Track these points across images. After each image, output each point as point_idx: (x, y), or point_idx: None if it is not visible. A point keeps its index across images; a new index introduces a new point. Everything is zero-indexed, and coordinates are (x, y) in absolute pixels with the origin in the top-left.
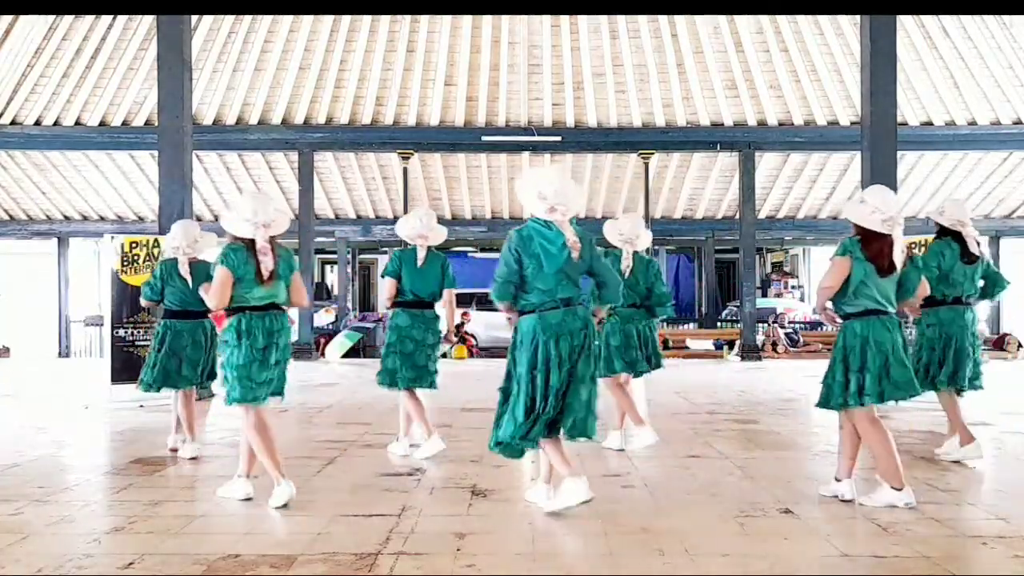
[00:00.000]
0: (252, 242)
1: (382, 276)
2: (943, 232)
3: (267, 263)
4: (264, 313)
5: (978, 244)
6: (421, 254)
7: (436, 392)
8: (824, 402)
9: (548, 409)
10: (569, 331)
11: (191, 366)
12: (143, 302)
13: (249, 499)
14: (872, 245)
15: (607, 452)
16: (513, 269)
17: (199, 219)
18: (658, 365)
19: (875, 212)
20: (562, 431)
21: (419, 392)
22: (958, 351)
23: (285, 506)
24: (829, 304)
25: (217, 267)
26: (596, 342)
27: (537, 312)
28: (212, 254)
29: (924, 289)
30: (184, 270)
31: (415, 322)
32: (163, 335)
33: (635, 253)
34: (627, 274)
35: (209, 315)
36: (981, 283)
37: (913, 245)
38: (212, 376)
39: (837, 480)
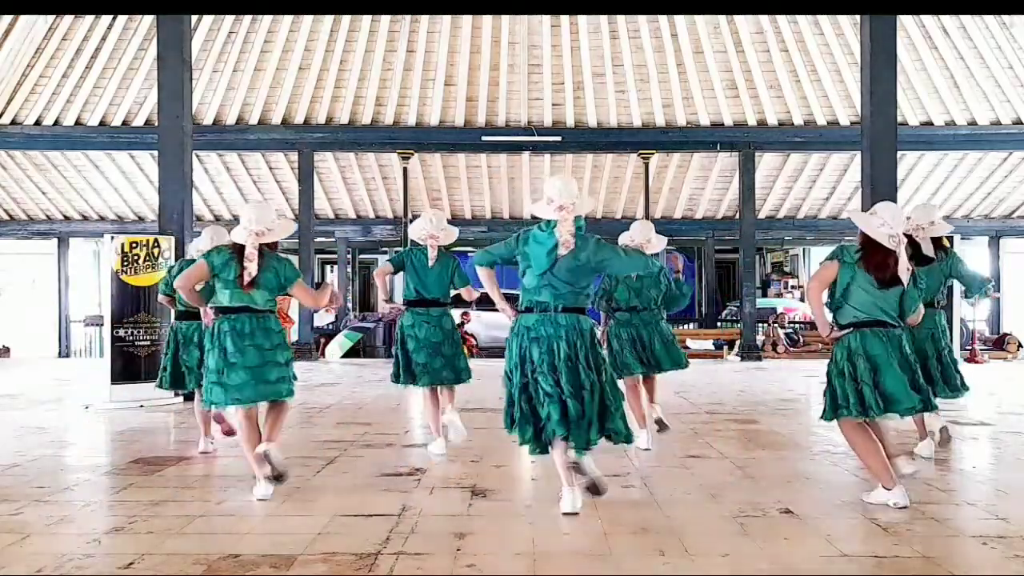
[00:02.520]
0: (241, 247)
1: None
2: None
3: (251, 269)
4: (237, 316)
5: (943, 247)
6: (432, 254)
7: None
8: (823, 415)
9: (522, 407)
10: (539, 336)
11: (191, 364)
12: (160, 298)
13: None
14: (874, 256)
15: (608, 453)
16: (503, 251)
17: (199, 219)
18: (659, 367)
19: (883, 225)
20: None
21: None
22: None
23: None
24: (829, 315)
25: (199, 261)
26: (595, 354)
27: (521, 312)
28: None
29: (918, 314)
30: None
31: (418, 321)
32: (170, 338)
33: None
34: (635, 278)
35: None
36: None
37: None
38: None
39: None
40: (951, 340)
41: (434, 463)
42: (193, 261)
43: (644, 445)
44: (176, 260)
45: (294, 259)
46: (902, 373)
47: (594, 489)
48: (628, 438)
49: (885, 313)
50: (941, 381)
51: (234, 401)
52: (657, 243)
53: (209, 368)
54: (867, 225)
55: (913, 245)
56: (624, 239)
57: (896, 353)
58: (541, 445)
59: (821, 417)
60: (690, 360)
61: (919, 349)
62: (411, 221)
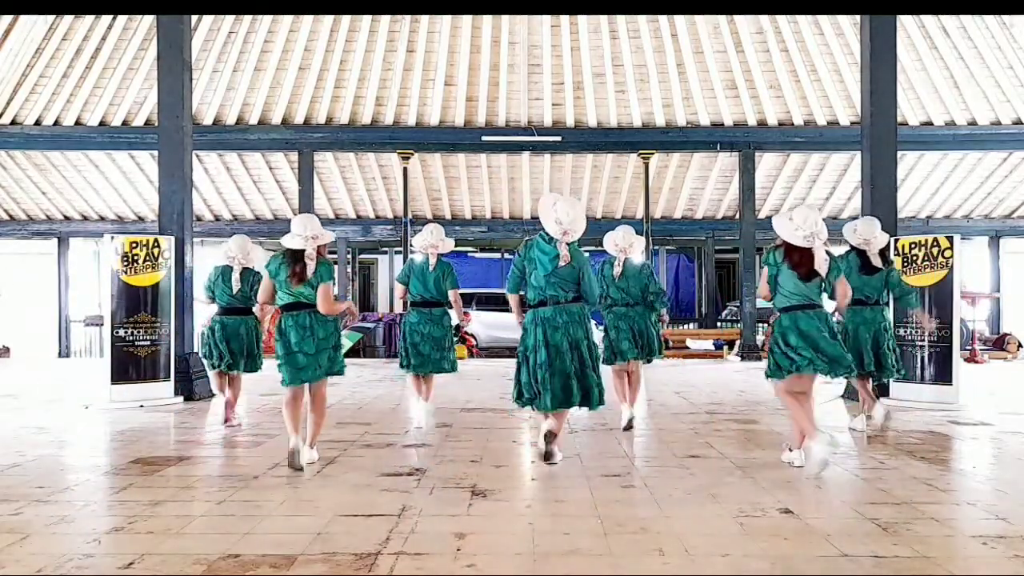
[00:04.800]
0: (291, 252)
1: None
2: (853, 247)
3: (312, 267)
4: (294, 311)
5: (885, 257)
6: (432, 261)
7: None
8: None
9: (535, 381)
10: (553, 322)
11: (232, 353)
12: (202, 298)
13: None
14: (793, 255)
15: (607, 453)
16: (518, 270)
17: (199, 219)
18: (652, 354)
19: (798, 229)
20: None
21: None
22: (858, 342)
23: (301, 469)
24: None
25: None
26: (592, 337)
27: (533, 306)
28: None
29: (845, 289)
30: (236, 276)
31: (422, 318)
32: (212, 328)
33: (626, 260)
34: (618, 278)
35: (252, 312)
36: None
37: (914, 245)
38: (252, 361)
39: (790, 450)
40: (892, 332)
41: (436, 463)
42: (226, 267)
43: (624, 423)
44: (175, 261)
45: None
46: (813, 343)
47: (548, 456)
48: (599, 405)
49: (807, 297)
50: (882, 365)
51: (292, 382)
52: (638, 247)
53: (278, 355)
54: (783, 230)
55: (862, 256)
56: (608, 242)
57: (818, 328)
58: (536, 405)
59: (766, 375)
60: (686, 358)
61: (873, 339)
62: (411, 221)
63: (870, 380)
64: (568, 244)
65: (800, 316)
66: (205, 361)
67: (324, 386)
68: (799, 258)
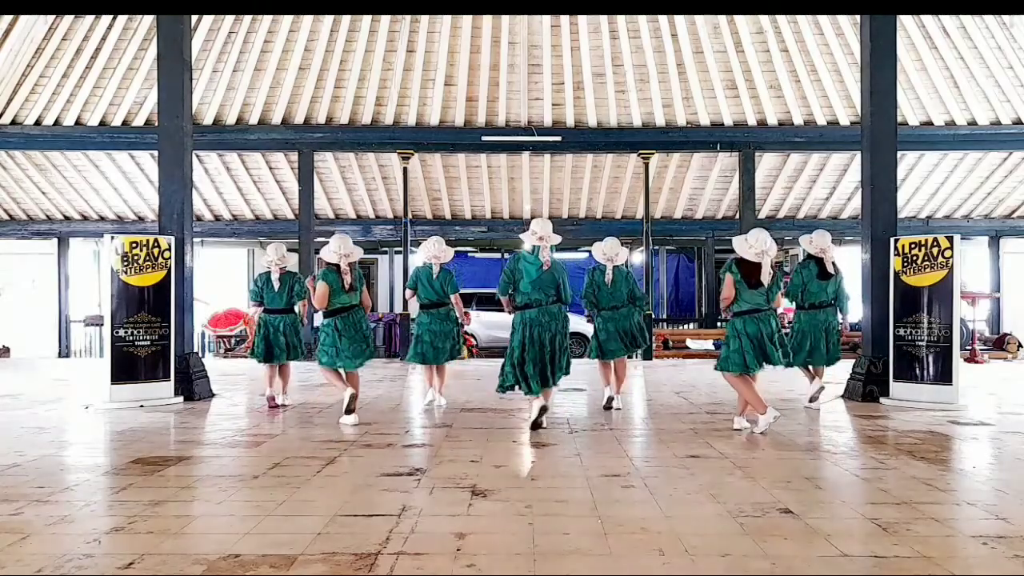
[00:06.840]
0: (338, 266)
1: (406, 287)
2: (809, 256)
3: (348, 279)
4: (344, 313)
5: (834, 265)
6: (435, 269)
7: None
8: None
9: (522, 370)
10: (538, 322)
11: (279, 346)
12: (251, 301)
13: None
14: (743, 268)
15: (607, 453)
16: (508, 277)
17: (199, 219)
18: (639, 346)
19: (751, 247)
20: (547, 383)
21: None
22: (812, 339)
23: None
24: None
25: (319, 282)
26: (566, 331)
27: (520, 308)
28: (294, 266)
29: (779, 301)
30: (275, 278)
31: (431, 318)
32: (261, 325)
33: (615, 267)
34: (610, 284)
35: (293, 311)
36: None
37: (914, 245)
38: (295, 353)
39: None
40: (840, 330)
41: (436, 463)
42: (268, 272)
43: (605, 401)
44: (175, 261)
45: (294, 257)
46: (767, 344)
47: (536, 425)
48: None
49: (757, 303)
50: (832, 354)
51: (331, 364)
52: (623, 255)
53: (325, 343)
54: (741, 248)
55: (819, 263)
56: (596, 251)
57: (765, 330)
58: (521, 388)
59: (715, 368)
60: (686, 358)
61: (824, 332)
62: (411, 222)
63: (823, 370)
64: (549, 250)
65: (748, 320)
66: (254, 358)
67: (357, 377)
68: (747, 270)
